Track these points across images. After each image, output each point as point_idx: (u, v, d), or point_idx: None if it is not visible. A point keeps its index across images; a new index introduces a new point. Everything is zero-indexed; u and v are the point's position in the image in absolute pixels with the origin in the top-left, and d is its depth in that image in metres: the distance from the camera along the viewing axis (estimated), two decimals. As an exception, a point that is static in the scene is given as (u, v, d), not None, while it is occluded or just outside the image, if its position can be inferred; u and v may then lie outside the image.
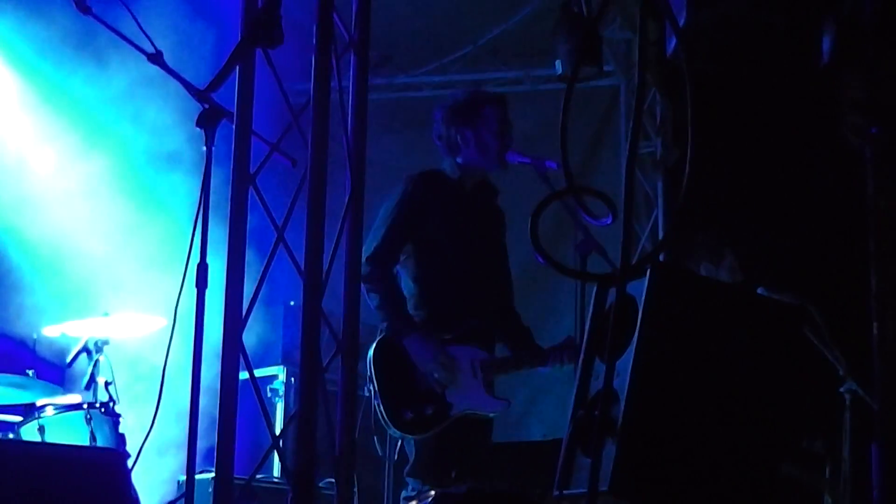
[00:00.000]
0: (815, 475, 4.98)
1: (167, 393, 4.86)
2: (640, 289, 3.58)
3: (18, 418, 6.24)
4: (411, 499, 5.65)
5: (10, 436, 6.09)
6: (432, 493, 4.44)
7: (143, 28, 4.88)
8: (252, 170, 4.75)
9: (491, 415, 5.81)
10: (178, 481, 6.89)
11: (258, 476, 5.70)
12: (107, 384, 6.26)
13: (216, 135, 4.68)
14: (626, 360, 3.52)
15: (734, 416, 3.66)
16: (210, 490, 4.76)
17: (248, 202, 4.72)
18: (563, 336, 5.92)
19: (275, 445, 4.84)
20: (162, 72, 4.91)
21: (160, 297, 6.29)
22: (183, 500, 4.78)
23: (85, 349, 6.32)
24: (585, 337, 3.76)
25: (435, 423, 5.62)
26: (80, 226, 7.75)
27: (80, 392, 6.34)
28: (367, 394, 5.65)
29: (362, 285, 5.44)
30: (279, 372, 7.87)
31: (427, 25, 9.35)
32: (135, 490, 5.03)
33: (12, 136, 7.82)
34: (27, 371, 6.65)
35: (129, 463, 5.10)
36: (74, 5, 4.87)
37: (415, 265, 5.85)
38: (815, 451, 5.12)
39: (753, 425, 3.68)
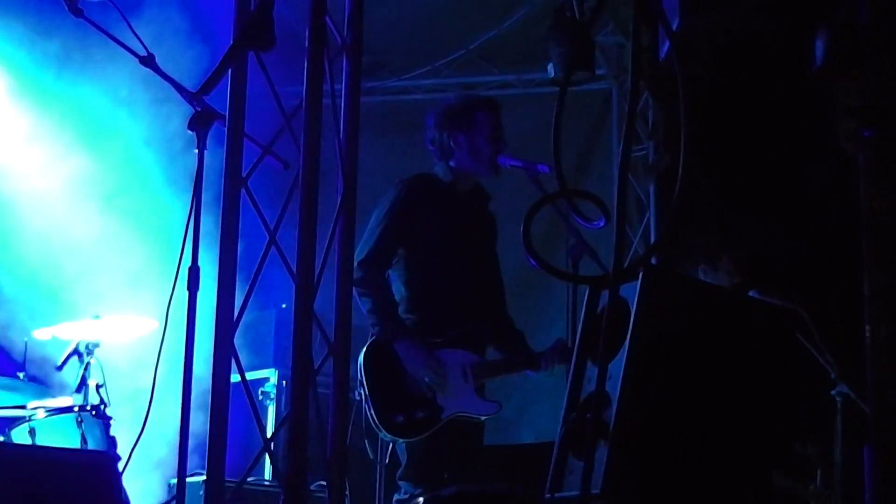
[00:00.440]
0: (805, 484, 4.99)
1: (158, 395, 4.85)
2: (632, 292, 3.58)
3: (9, 420, 6.22)
4: (403, 502, 5.66)
5: (1, 439, 6.07)
6: (421, 498, 4.44)
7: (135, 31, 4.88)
8: (244, 172, 4.75)
9: (482, 418, 5.81)
10: (170, 484, 6.87)
11: (249, 479, 5.69)
12: (98, 387, 6.24)
13: (208, 137, 4.68)
14: (619, 363, 3.51)
15: (726, 420, 3.66)
16: (201, 493, 4.77)
17: (240, 205, 4.71)
18: (554, 339, 5.92)
19: (266, 448, 4.83)
20: (154, 74, 4.91)
21: (151, 299, 6.29)
22: (174, 502, 4.77)
23: (76, 352, 6.30)
24: (577, 340, 3.76)
25: (426, 427, 5.62)
26: (70, 228, 7.74)
27: (70, 395, 6.32)
28: (357, 397, 5.65)
29: (354, 289, 5.43)
30: (271, 374, 7.86)
31: (420, 29, 9.35)
32: (126, 493, 5.03)
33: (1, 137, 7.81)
34: (18, 374, 6.63)
35: (120, 466, 5.09)
36: (66, 7, 4.86)
37: (406, 269, 5.85)
38: (807, 455, 5.13)
39: (745, 429, 3.68)
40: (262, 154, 4.84)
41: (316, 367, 4.67)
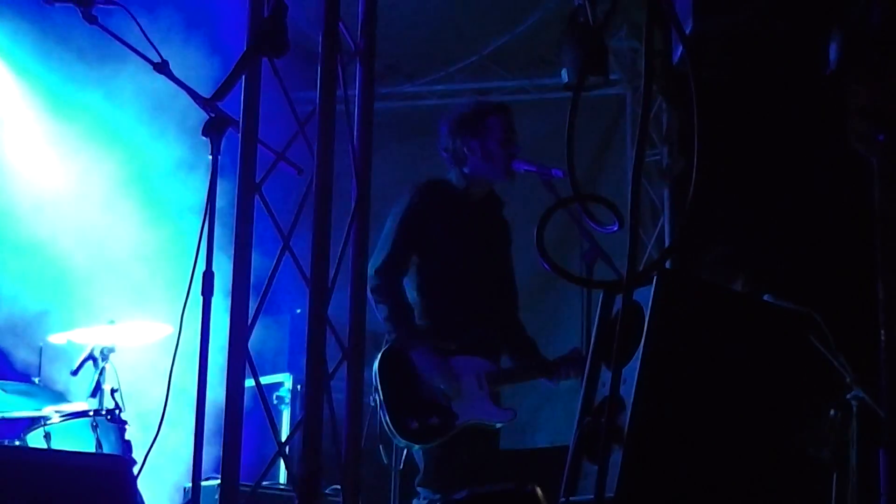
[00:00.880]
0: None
1: (173, 400, 4.86)
2: (646, 296, 3.58)
3: (26, 423, 6.25)
4: (420, 509, 5.67)
5: (17, 443, 6.09)
6: (437, 504, 4.45)
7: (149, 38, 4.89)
8: (258, 178, 4.76)
9: (497, 425, 5.80)
10: (184, 488, 6.88)
11: (264, 483, 5.70)
12: (113, 391, 6.26)
13: (222, 143, 4.69)
14: (633, 368, 3.52)
15: (740, 424, 3.66)
16: (216, 497, 4.76)
17: (254, 210, 4.73)
18: (570, 347, 5.92)
19: (280, 452, 4.84)
20: (169, 81, 4.92)
21: (166, 304, 6.31)
22: (189, 507, 4.78)
23: (91, 357, 6.32)
24: (591, 344, 3.76)
25: (440, 433, 5.62)
26: (86, 233, 7.76)
27: (86, 399, 6.34)
28: (372, 403, 5.65)
29: (370, 296, 5.45)
30: (285, 379, 7.88)
31: (433, 34, 9.36)
32: (141, 497, 5.04)
33: (19, 143, 7.84)
34: (34, 379, 6.66)
35: (135, 470, 5.10)
36: (80, 15, 4.88)
37: (420, 276, 5.86)
38: (822, 459, 5.12)
39: (759, 432, 3.68)
40: (276, 160, 4.85)
41: (330, 371, 4.68)
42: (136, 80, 7.07)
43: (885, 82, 2.74)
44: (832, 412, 5.05)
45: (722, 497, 3.59)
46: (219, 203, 4.64)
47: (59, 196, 7.82)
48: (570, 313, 8.78)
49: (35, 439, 6.09)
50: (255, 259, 4.74)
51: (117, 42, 4.89)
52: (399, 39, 8.93)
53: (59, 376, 6.83)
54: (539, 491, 3.82)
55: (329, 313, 4.60)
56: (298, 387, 7.71)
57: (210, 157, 4.66)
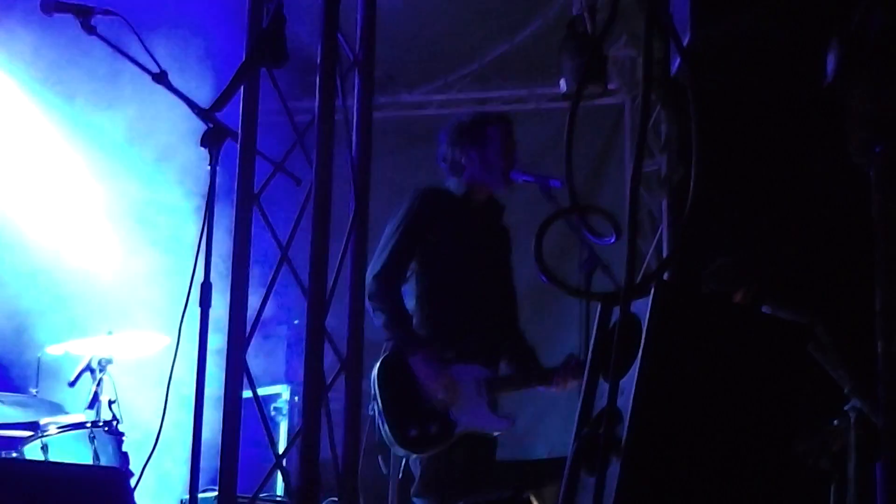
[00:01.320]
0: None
1: (171, 411, 4.86)
2: (644, 307, 3.57)
3: (23, 435, 6.23)
4: (416, 519, 5.65)
5: (14, 454, 6.08)
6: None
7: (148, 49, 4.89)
8: (256, 189, 4.76)
9: (495, 433, 5.79)
10: (182, 500, 6.87)
11: (261, 495, 5.68)
12: (110, 403, 6.25)
13: (221, 154, 4.68)
14: (631, 379, 3.51)
15: (739, 435, 3.65)
16: (213, 509, 4.75)
17: (253, 221, 4.72)
18: (567, 354, 5.91)
19: (278, 464, 4.83)
20: (167, 91, 4.91)
21: (164, 315, 6.30)
22: (186, 519, 4.77)
23: (88, 368, 6.32)
24: (589, 355, 3.75)
25: (439, 442, 5.61)
26: (84, 244, 7.76)
27: (83, 411, 6.34)
28: (371, 412, 5.64)
29: (368, 303, 5.44)
30: (283, 390, 7.87)
31: (432, 44, 9.36)
32: (138, 509, 5.02)
33: (16, 154, 7.84)
34: (31, 390, 6.65)
35: (133, 482, 5.09)
36: (80, 26, 4.87)
37: (419, 283, 5.84)
38: (820, 470, 5.11)
39: (758, 444, 3.67)
40: (275, 170, 4.85)
41: (328, 383, 4.67)
42: (135, 92, 7.08)
43: (883, 92, 2.74)
44: (831, 423, 5.04)
45: (720, 509, 3.58)
46: (217, 213, 4.63)
47: (57, 208, 7.82)
48: (569, 321, 8.77)
49: (32, 451, 6.08)
50: (253, 269, 4.73)
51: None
52: (398, 49, 8.93)
53: (56, 387, 6.83)
54: (535, 500, 3.81)
55: (327, 324, 4.60)
56: (296, 398, 7.70)
57: (209, 167, 4.66)
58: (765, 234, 7.74)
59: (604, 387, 3.64)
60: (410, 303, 5.85)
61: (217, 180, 4.65)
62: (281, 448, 6.38)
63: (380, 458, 5.73)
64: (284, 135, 4.98)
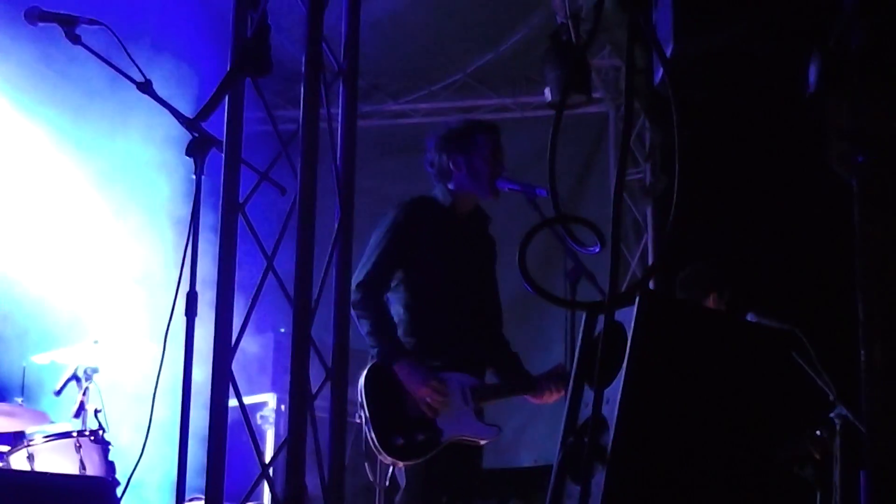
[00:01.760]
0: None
1: (157, 420, 4.85)
2: (629, 316, 3.59)
3: (7, 447, 6.23)
4: (402, 527, 5.65)
5: (0, 464, 6.07)
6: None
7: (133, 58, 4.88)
8: (241, 198, 4.76)
9: (482, 442, 5.80)
10: (168, 509, 6.88)
11: (248, 503, 5.69)
12: (96, 412, 6.25)
13: (206, 163, 4.68)
14: (616, 388, 3.52)
15: (724, 443, 3.67)
16: (200, 518, 4.75)
17: (238, 230, 4.72)
18: (554, 363, 5.92)
19: (265, 473, 4.83)
20: (148, 97, 4.91)
21: (150, 324, 6.30)
22: (173, 527, 4.76)
23: (74, 377, 6.31)
24: (574, 364, 3.77)
25: (426, 450, 5.61)
26: (69, 253, 7.75)
27: (69, 420, 6.33)
28: (357, 420, 5.65)
29: (352, 311, 5.44)
30: (269, 399, 7.86)
31: (416, 53, 9.39)
32: (124, 518, 5.02)
33: (3, 163, 7.84)
34: (16, 399, 6.64)
35: (119, 491, 5.09)
36: (64, 35, 4.87)
37: (405, 292, 5.85)
38: (805, 477, 5.13)
39: (743, 451, 3.68)
40: (260, 180, 4.85)
41: (314, 391, 4.67)
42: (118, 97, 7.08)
43: (864, 104, 2.76)
44: (817, 431, 5.06)
45: (705, 517, 3.60)
46: (203, 222, 4.64)
47: (44, 215, 7.81)
48: (554, 330, 8.79)
49: (18, 460, 6.07)
50: (239, 278, 4.73)
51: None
52: (383, 58, 8.95)
53: (42, 397, 6.82)
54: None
55: (312, 333, 4.60)
56: (282, 406, 7.70)
57: (194, 176, 4.66)
58: (743, 240, 7.77)
59: (589, 395, 3.66)
60: (397, 310, 5.86)
61: (202, 189, 4.65)
62: (267, 457, 6.38)
63: (366, 465, 5.73)
64: (269, 144, 4.98)
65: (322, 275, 4.76)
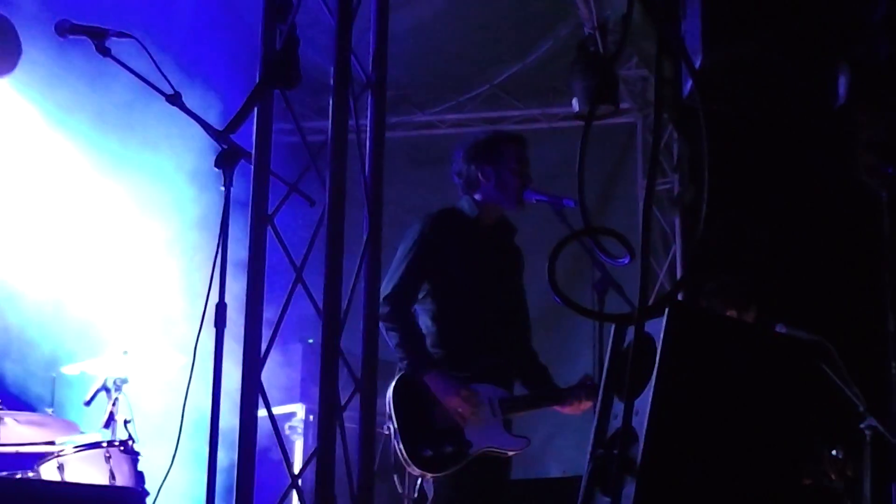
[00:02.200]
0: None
1: (187, 431, 4.87)
2: (657, 327, 3.58)
3: (39, 454, 6.26)
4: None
5: (30, 474, 6.10)
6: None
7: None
8: (270, 209, 4.78)
9: (510, 453, 5.80)
10: (197, 520, 6.89)
11: (277, 514, 5.70)
12: (126, 422, 6.27)
13: (235, 175, 4.70)
14: (645, 399, 3.52)
15: (753, 454, 3.66)
16: (229, 528, 4.76)
17: (267, 242, 4.74)
18: (581, 375, 5.92)
19: (294, 484, 4.84)
20: (182, 112, 4.94)
21: (180, 335, 6.32)
22: (202, 538, 4.78)
23: (104, 387, 6.34)
24: (603, 376, 3.77)
25: (454, 462, 5.62)
26: (99, 264, 7.79)
27: (99, 430, 6.35)
28: (386, 431, 5.65)
29: (381, 324, 5.45)
30: (298, 409, 7.88)
31: (443, 64, 9.40)
32: (154, 529, 5.04)
33: (33, 171, 7.88)
34: (47, 409, 6.67)
35: (149, 501, 5.10)
36: (94, 48, 4.90)
37: (432, 304, 5.86)
38: (835, 490, 5.11)
39: (773, 463, 3.67)
40: (289, 191, 4.87)
41: (343, 403, 4.68)
42: (150, 112, 7.12)
43: (892, 115, 2.75)
44: (832, 451, 5.03)
45: (735, 528, 3.59)
46: (232, 234, 4.66)
47: (74, 227, 7.85)
48: (582, 341, 8.79)
49: (48, 471, 6.10)
50: (267, 289, 4.75)
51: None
52: (410, 69, 8.97)
53: (72, 407, 6.85)
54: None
55: (341, 344, 4.61)
56: (311, 417, 7.71)
57: (223, 188, 4.68)
58: (770, 253, 7.74)
59: (618, 407, 3.65)
60: (425, 322, 5.86)
61: (232, 201, 4.67)
62: (297, 467, 6.40)
63: (395, 477, 5.74)
64: (298, 155, 5.00)
65: (351, 286, 4.77)
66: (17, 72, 5.48)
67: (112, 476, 6.04)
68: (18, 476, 6.06)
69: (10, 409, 6.35)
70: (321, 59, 5.06)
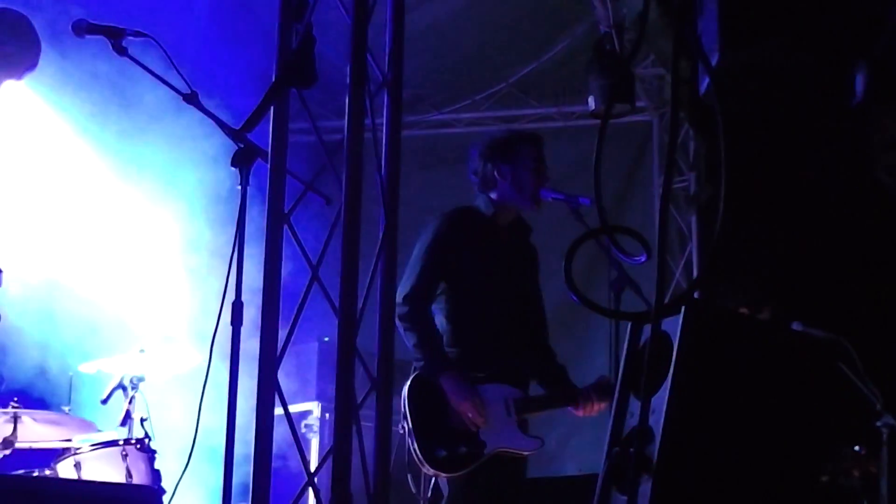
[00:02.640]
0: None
1: (203, 428, 4.88)
2: (674, 325, 3.58)
3: (56, 452, 6.28)
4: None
5: (47, 472, 6.12)
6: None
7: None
8: (286, 208, 4.79)
9: (525, 454, 5.80)
10: (214, 517, 6.91)
11: (293, 512, 5.71)
12: (142, 420, 6.29)
13: (251, 173, 4.71)
14: (661, 397, 3.51)
15: (769, 453, 3.65)
16: (246, 527, 4.77)
17: (283, 240, 4.75)
18: (597, 375, 5.92)
19: (310, 482, 4.85)
20: (199, 112, 4.94)
21: (196, 333, 6.33)
22: (219, 536, 4.79)
23: (120, 385, 6.36)
24: (620, 374, 3.76)
25: (468, 462, 5.62)
26: (115, 263, 7.81)
27: (115, 428, 6.37)
28: (401, 430, 5.66)
29: (399, 324, 5.46)
30: (314, 407, 7.89)
31: (460, 63, 9.40)
32: (171, 527, 5.05)
33: (49, 171, 7.90)
34: (63, 408, 6.69)
35: (165, 499, 5.12)
36: (111, 47, 4.91)
37: (449, 303, 5.86)
38: (851, 488, 5.09)
39: (789, 461, 3.67)
40: (305, 190, 4.88)
41: (359, 401, 4.69)
42: (165, 112, 7.14)
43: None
44: (855, 447, 5.01)
45: (751, 527, 3.58)
46: (248, 232, 4.66)
47: (91, 227, 7.87)
48: (598, 340, 8.77)
49: (65, 469, 6.12)
50: (283, 288, 4.75)
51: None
52: (426, 68, 8.97)
53: (88, 405, 6.86)
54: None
55: (357, 343, 4.62)
56: (327, 415, 7.72)
57: (239, 187, 4.69)
58: (787, 254, 7.71)
59: (635, 405, 3.65)
60: (441, 321, 5.86)
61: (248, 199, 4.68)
62: (312, 465, 6.40)
63: (409, 476, 5.74)
64: (314, 154, 5.01)
65: (367, 284, 4.78)
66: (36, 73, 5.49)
67: (129, 474, 6.06)
68: (36, 474, 6.08)
69: (27, 407, 6.36)
70: (337, 59, 5.07)
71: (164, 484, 6.00)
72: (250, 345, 4.67)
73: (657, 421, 3.49)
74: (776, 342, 3.82)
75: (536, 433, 5.85)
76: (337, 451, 4.48)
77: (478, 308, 5.85)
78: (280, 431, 4.81)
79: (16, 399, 6.30)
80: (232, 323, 4.60)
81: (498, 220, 5.96)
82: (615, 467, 3.54)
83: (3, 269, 5.38)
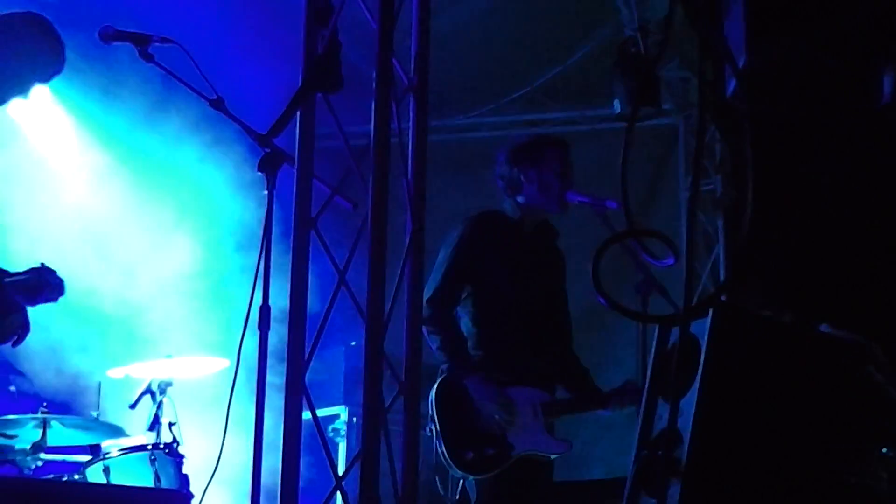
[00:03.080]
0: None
1: (231, 433, 4.89)
2: (702, 327, 3.58)
3: (85, 458, 6.31)
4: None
5: (76, 477, 6.15)
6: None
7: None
8: (313, 213, 4.79)
9: (552, 457, 5.80)
10: (242, 522, 6.91)
11: (321, 517, 5.72)
12: (171, 425, 6.31)
13: (277, 178, 4.73)
14: (690, 400, 3.51)
15: (798, 455, 3.64)
16: (274, 531, 4.78)
17: (310, 245, 4.76)
18: (623, 379, 5.91)
19: (338, 486, 4.85)
20: (223, 117, 4.96)
21: (224, 338, 6.35)
22: (247, 540, 4.80)
23: (149, 390, 6.39)
24: (648, 377, 3.76)
25: (496, 464, 5.62)
26: (144, 268, 7.84)
27: (144, 433, 6.39)
28: (428, 433, 5.67)
29: (423, 327, 5.46)
30: (341, 411, 7.90)
31: (484, 67, 9.40)
32: (199, 531, 5.06)
33: (70, 177, 7.94)
34: (92, 413, 6.72)
35: (194, 504, 5.13)
36: (137, 54, 4.94)
37: (474, 306, 5.87)
38: (881, 492, 5.07)
39: (817, 464, 3.66)
40: (332, 195, 4.88)
41: (386, 405, 4.69)
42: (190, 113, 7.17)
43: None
44: (883, 449, 4.99)
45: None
46: (275, 237, 4.68)
47: (116, 231, 7.90)
48: (625, 344, 8.76)
49: (94, 473, 6.14)
50: (311, 293, 4.76)
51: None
52: (451, 72, 8.97)
53: (117, 410, 6.89)
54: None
55: (384, 347, 4.62)
56: (354, 419, 7.74)
57: (266, 192, 4.70)
58: (813, 257, 7.68)
59: (663, 408, 3.65)
60: (467, 324, 5.87)
61: (275, 204, 4.69)
62: (340, 469, 6.41)
63: (437, 479, 5.75)
64: (341, 159, 5.01)
65: (394, 289, 4.78)
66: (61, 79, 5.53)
67: (157, 478, 6.08)
68: (65, 479, 6.11)
69: (56, 413, 6.40)
70: (363, 63, 5.08)
71: (192, 488, 6.01)
72: (278, 349, 4.68)
73: (685, 423, 3.48)
74: (804, 344, 3.81)
75: (563, 437, 5.85)
76: (365, 455, 4.48)
77: (503, 312, 5.85)
78: (308, 436, 4.81)
79: (45, 405, 6.34)
80: (259, 327, 4.61)
81: (524, 223, 5.96)
82: (643, 470, 3.54)
83: (64, 280, 5.40)
